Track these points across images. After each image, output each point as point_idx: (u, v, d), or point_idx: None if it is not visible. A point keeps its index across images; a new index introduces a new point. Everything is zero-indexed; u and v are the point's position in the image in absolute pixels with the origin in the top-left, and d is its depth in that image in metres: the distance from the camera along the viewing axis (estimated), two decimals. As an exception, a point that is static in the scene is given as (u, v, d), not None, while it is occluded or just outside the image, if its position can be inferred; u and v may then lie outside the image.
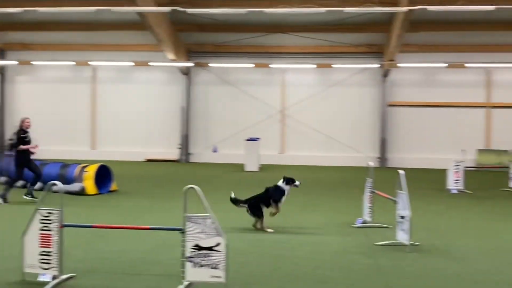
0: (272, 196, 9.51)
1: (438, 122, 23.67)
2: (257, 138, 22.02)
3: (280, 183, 9.64)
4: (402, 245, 8.34)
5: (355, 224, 10.08)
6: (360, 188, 11.11)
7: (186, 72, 24.69)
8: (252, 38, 23.40)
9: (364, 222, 10.12)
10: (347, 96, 24.18)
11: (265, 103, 24.37)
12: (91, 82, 25.52)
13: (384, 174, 19.05)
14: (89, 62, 24.68)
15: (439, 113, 23.70)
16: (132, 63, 24.66)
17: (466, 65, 22.92)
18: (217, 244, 6.01)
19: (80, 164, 14.62)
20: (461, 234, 9.73)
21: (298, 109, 24.35)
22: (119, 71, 25.39)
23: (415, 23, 20.67)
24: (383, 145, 23.59)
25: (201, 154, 24.87)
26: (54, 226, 6.24)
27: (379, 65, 23.39)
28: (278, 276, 6.81)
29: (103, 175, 14.12)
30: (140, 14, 20.20)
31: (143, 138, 24.95)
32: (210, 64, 24.45)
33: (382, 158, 23.54)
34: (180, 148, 24.75)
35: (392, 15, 20.51)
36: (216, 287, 6.15)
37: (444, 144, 23.12)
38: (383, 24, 21.76)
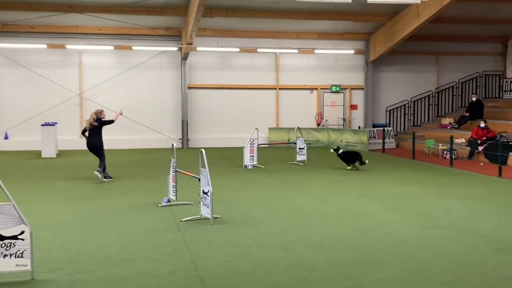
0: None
1: (235, 104, 25.17)
2: (54, 123, 21.11)
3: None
4: (205, 219, 8.99)
5: (161, 204, 10.46)
6: (165, 168, 11.52)
7: (-33, 52, 22.37)
8: (45, 17, 22.06)
9: (169, 200, 10.56)
10: (147, 79, 24.30)
11: (62, 86, 23.28)
12: None
13: (187, 154, 19.84)
14: None
15: (235, 95, 25.20)
16: None
17: (258, 50, 24.71)
18: (21, 233, 5.90)
19: None
20: (256, 204, 10.75)
21: (97, 92, 23.77)
22: None
23: (210, 8, 21.59)
24: (185, 126, 24.30)
25: (-10, 142, 22.88)
26: None
27: (177, 48, 23.93)
28: (84, 259, 6.87)
29: None
30: None
31: None
32: (-2, 45, 22.52)
33: (184, 139, 24.28)
34: (-36, 137, 22.44)
35: (188, -1, 21.11)
36: (22, 276, 6.06)
37: (241, 124, 24.73)
38: (181, 7, 22.23)
